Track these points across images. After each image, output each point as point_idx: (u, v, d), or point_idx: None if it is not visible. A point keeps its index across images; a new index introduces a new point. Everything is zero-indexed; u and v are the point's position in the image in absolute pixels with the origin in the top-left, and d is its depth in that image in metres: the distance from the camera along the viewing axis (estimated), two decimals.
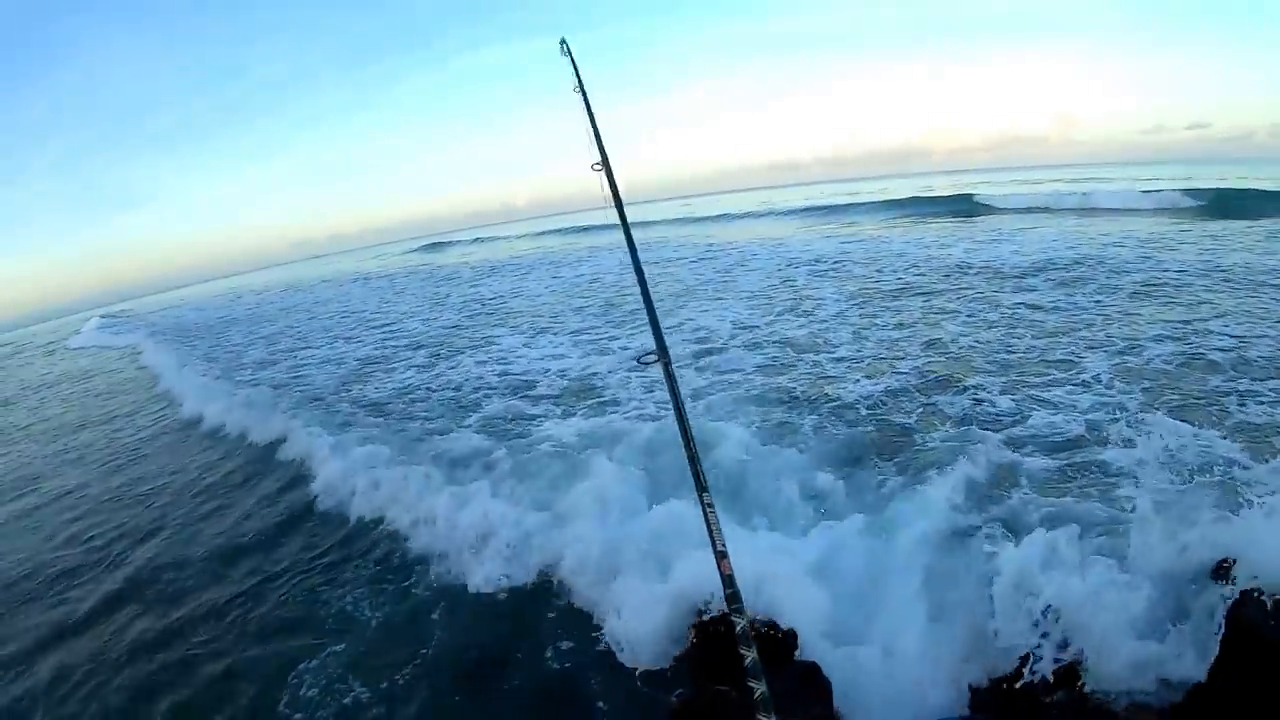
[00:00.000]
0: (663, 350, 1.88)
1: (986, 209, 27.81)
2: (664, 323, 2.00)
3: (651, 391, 8.13)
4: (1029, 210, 25.89)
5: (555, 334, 12.96)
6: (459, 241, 61.86)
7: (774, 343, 9.86)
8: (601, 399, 8.48)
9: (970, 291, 11.54)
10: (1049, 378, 6.97)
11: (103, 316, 50.67)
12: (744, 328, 11.07)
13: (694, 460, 1.81)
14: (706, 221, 40.19)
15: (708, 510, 1.80)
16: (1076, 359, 7.37)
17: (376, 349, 14.53)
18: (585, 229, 40.40)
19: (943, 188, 39.92)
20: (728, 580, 1.81)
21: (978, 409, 6.48)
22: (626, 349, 10.62)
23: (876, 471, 5.54)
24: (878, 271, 14.87)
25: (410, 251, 61.96)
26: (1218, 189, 22.74)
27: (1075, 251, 14.00)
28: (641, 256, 2.03)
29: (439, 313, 18.81)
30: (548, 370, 10.31)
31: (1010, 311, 9.87)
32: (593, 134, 2.06)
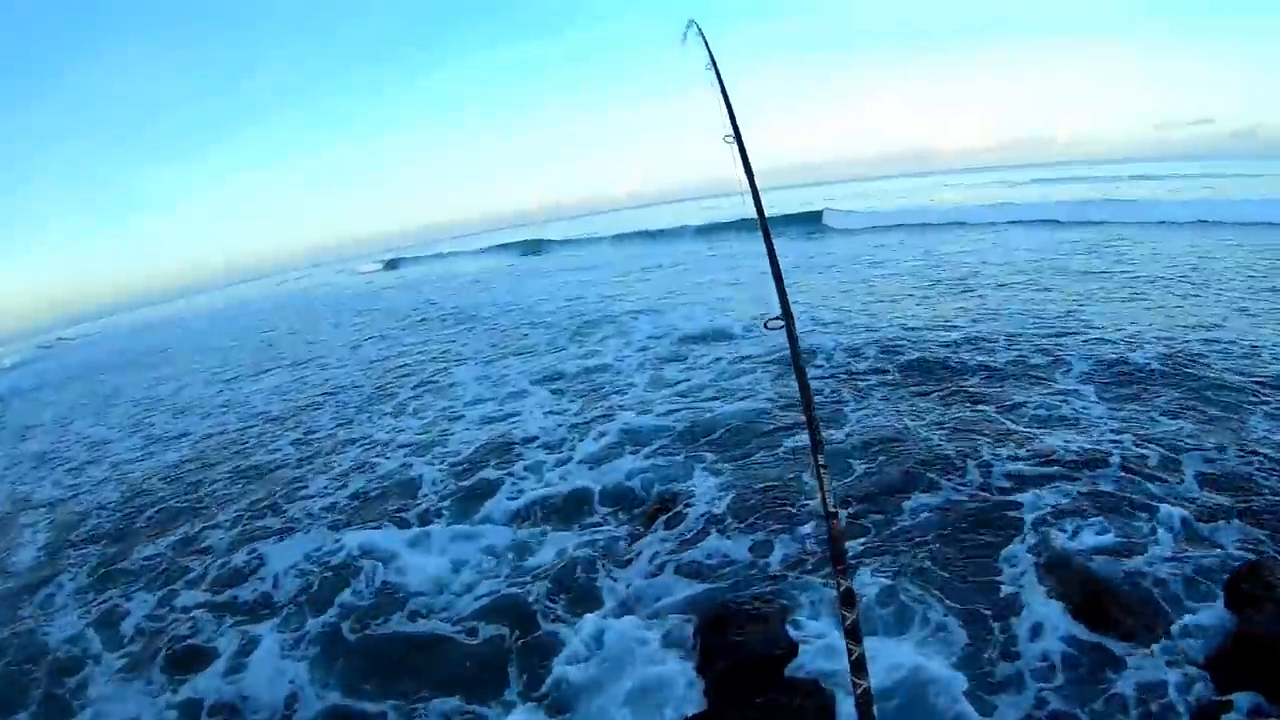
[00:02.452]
0: (788, 315, 1.96)
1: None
2: None
3: None
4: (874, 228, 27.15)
5: None
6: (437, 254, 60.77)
7: None
8: None
9: None
10: None
11: None
12: None
13: (812, 422, 1.87)
14: None
15: (821, 470, 1.87)
16: None
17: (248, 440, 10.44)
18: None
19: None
20: (836, 540, 1.86)
21: None
22: None
23: None
24: None
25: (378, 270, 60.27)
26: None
27: None
28: None
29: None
30: None
31: None
32: (726, 110, 2.20)
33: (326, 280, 59.47)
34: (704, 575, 4.84)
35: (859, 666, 1.81)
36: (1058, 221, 22.19)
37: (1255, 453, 5.24)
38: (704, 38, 2.31)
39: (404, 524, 6.30)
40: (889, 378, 8.15)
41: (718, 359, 10.02)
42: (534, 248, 45.38)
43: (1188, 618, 3.56)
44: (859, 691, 1.81)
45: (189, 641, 5.10)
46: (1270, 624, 3.05)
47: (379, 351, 16.04)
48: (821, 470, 1.86)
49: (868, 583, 4.35)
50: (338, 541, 6.06)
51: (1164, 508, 4.64)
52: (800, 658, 3.72)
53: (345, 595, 5.27)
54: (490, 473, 7.09)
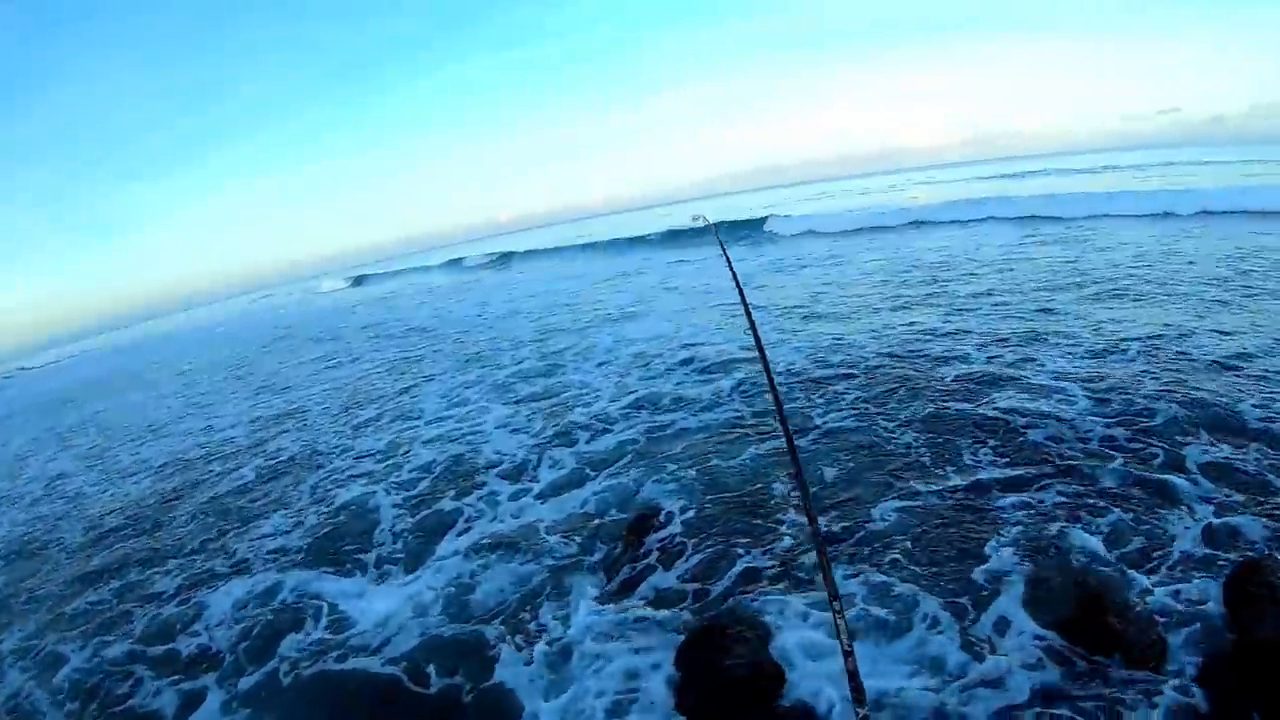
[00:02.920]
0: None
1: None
2: None
3: None
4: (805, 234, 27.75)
5: None
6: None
7: None
8: None
9: None
10: None
11: None
12: None
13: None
14: None
15: (837, 617, 1.80)
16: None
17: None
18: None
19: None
20: (852, 675, 1.80)
21: None
22: None
23: None
24: None
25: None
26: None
27: None
28: None
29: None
30: None
31: None
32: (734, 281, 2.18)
33: (295, 299, 59.11)
34: (681, 594, 4.75)
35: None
36: (995, 218, 22.72)
37: (1244, 445, 5.29)
38: (714, 230, 2.33)
39: (357, 562, 6.07)
40: (853, 383, 8.10)
41: (684, 370, 9.96)
42: (503, 260, 45.60)
43: (1184, 625, 3.57)
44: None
45: (130, 703, 4.83)
46: (1271, 628, 3.06)
47: (343, 370, 15.79)
48: (838, 616, 1.80)
49: (852, 589, 4.36)
50: (284, 585, 5.85)
51: (1154, 503, 4.72)
52: (787, 679, 3.70)
53: (289, 643, 5.03)
54: (448, 503, 6.86)
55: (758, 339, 1.89)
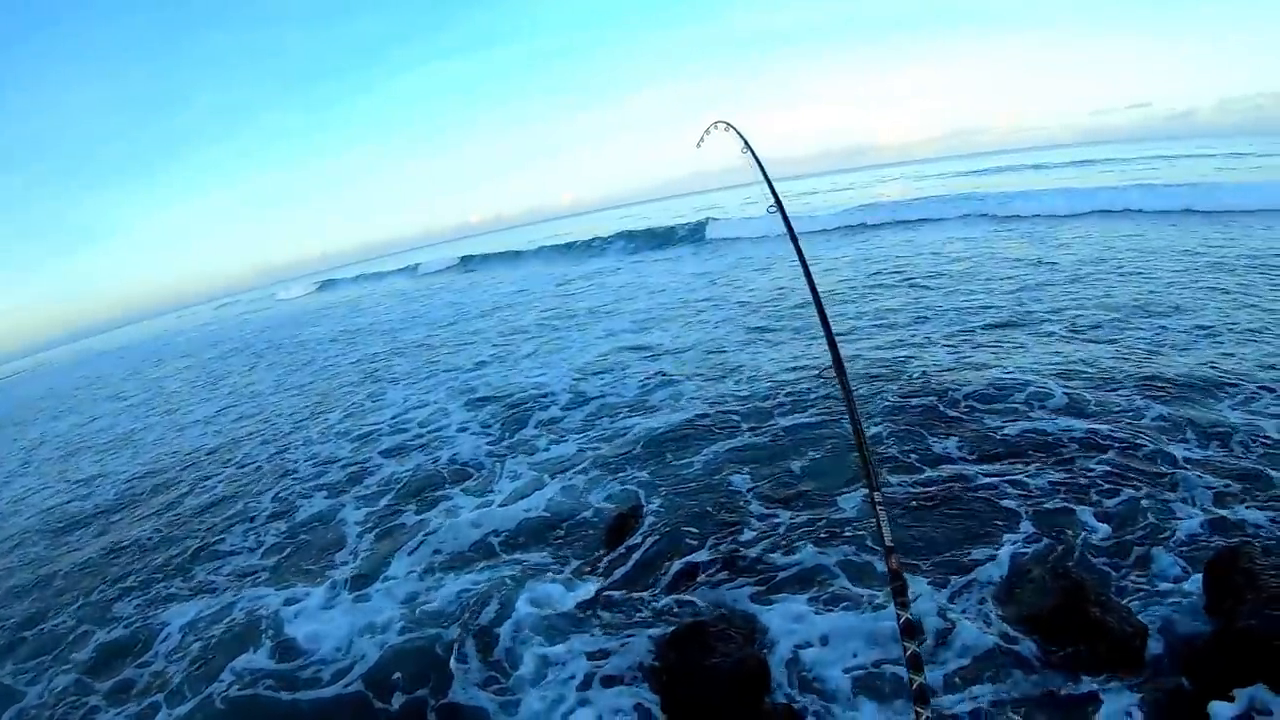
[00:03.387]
0: (839, 366, 2.07)
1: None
2: None
3: None
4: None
5: None
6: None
7: None
8: None
9: None
10: None
11: None
12: None
13: (866, 461, 1.98)
14: None
15: (878, 509, 1.96)
16: None
17: None
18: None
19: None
20: (895, 574, 1.96)
21: None
22: None
23: None
24: None
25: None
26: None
27: None
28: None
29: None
30: None
31: None
32: (768, 187, 2.34)
33: (262, 305, 58.00)
34: (662, 598, 4.73)
35: (920, 698, 1.89)
36: (935, 219, 23.14)
37: (1222, 436, 5.48)
38: (738, 132, 2.49)
39: (316, 578, 5.84)
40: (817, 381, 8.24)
41: (647, 371, 10.04)
42: (469, 263, 44.97)
43: (1164, 614, 3.70)
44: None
45: None
46: (1253, 616, 3.13)
47: (309, 376, 15.61)
48: (878, 507, 1.97)
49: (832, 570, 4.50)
50: (240, 604, 5.65)
51: (1139, 495, 4.86)
52: (772, 677, 3.73)
53: (242, 663, 4.82)
54: (409, 516, 6.74)
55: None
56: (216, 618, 5.58)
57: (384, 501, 7.26)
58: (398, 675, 4.41)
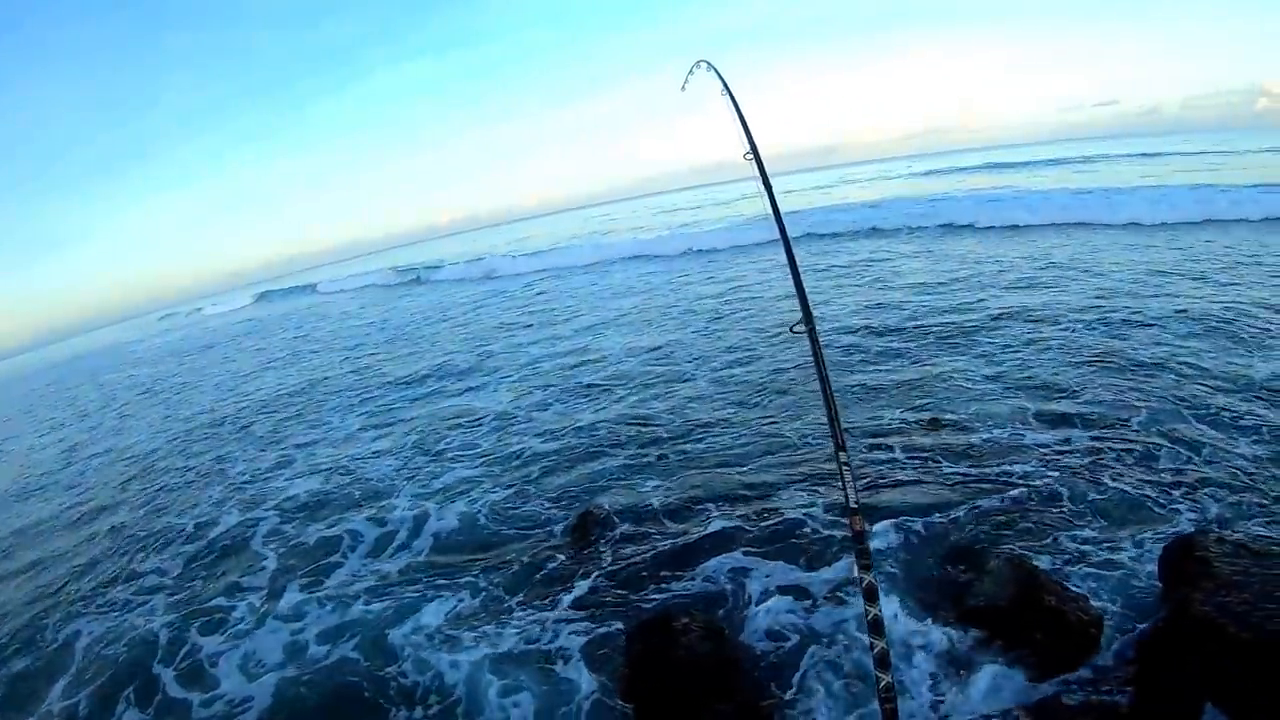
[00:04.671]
0: (808, 317, 2.02)
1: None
2: None
3: None
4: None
5: None
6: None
7: None
8: None
9: None
10: None
11: None
12: None
13: (833, 420, 1.93)
14: None
15: (843, 469, 1.92)
16: None
17: None
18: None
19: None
20: (858, 536, 1.92)
21: None
22: None
23: None
24: None
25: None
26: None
27: None
28: None
29: None
30: None
31: None
32: (742, 131, 2.29)
33: (203, 316, 56.10)
34: (629, 589, 4.73)
35: (882, 663, 1.86)
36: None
37: (1177, 427, 5.61)
38: (717, 72, 2.46)
39: (233, 603, 5.55)
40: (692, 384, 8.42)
41: (575, 381, 10.00)
42: (415, 274, 43.67)
43: (1121, 602, 3.75)
44: (882, 686, 1.86)
45: None
46: (1205, 602, 3.16)
47: (240, 391, 15.04)
48: (845, 468, 1.92)
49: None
50: (152, 632, 5.33)
51: (1090, 490, 4.92)
52: (740, 666, 3.73)
53: (150, 698, 4.58)
54: (327, 530, 6.52)
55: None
56: (124, 643, 5.32)
57: (306, 519, 7.03)
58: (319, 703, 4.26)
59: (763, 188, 2.22)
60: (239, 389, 15.32)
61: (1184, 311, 8.46)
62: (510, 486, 6.72)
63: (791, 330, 2.04)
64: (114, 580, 6.55)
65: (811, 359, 2.00)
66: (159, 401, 16.50)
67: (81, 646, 5.41)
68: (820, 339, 2.07)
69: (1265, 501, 4.52)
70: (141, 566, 6.73)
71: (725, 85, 2.48)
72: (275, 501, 7.53)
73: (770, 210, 2.21)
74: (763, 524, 5.16)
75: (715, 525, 5.28)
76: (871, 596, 1.84)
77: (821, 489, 5.45)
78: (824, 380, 1.99)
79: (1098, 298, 9.81)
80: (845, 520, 1.94)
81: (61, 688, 4.93)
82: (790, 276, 2.07)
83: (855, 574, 1.86)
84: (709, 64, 2.67)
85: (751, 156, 2.32)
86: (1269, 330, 7.57)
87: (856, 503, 1.89)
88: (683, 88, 2.75)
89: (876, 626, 1.80)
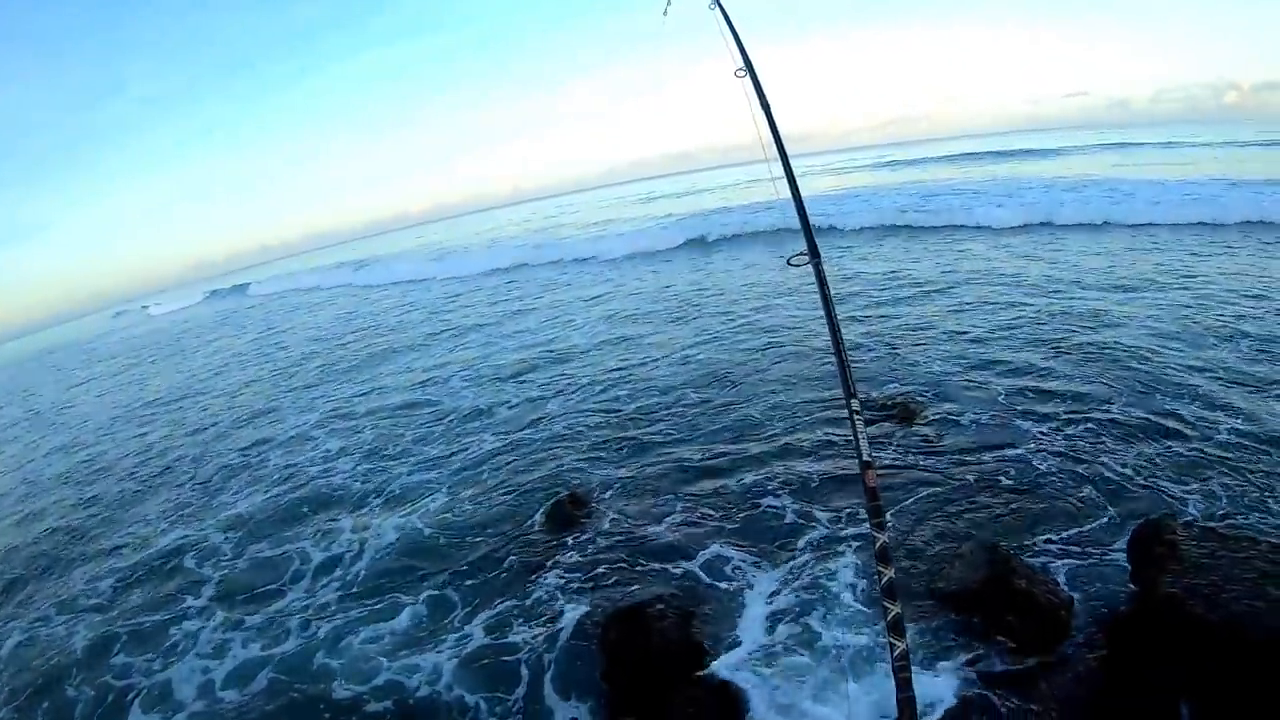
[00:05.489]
0: (814, 250, 1.82)
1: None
2: None
3: None
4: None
5: None
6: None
7: None
8: None
9: None
10: None
11: None
12: None
13: (843, 365, 1.73)
14: None
15: (855, 418, 1.72)
16: None
17: None
18: None
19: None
20: (871, 493, 1.72)
21: None
22: None
23: None
24: None
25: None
26: None
27: None
28: None
29: None
30: None
31: None
32: (735, 43, 2.09)
33: (151, 314, 52.33)
34: (601, 581, 4.62)
35: (896, 628, 1.67)
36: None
37: (1150, 416, 5.67)
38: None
39: (183, 595, 5.32)
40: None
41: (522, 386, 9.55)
42: (362, 265, 42.36)
43: (1090, 585, 3.77)
44: (896, 653, 1.67)
45: None
46: (1176, 584, 3.18)
47: (180, 397, 14.19)
48: (856, 416, 1.73)
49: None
50: (106, 656, 4.95)
51: (1067, 470, 4.99)
52: (707, 651, 3.67)
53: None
54: (270, 548, 6.09)
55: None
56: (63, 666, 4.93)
57: (248, 536, 6.54)
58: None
59: (764, 113, 2.04)
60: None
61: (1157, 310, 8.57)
62: None
63: (790, 263, 1.84)
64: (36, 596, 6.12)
65: (817, 291, 1.80)
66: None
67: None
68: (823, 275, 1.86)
69: (1237, 487, 4.60)
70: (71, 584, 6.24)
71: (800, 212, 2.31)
72: (216, 517, 7.08)
73: (771, 135, 2.02)
74: (738, 511, 5.13)
75: (687, 515, 5.23)
76: (884, 558, 1.64)
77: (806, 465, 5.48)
78: (832, 321, 1.80)
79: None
80: (858, 474, 1.72)
81: None
82: (793, 205, 1.88)
83: (869, 531, 1.65)
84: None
85: (745, 73, 2.12)
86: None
87: (870, 456, 1.69)
88: (664, 12, 2.58)
89: (890, 591, 1.60)
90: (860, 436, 1.71)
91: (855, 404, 1.73)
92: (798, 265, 1.83)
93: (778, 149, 2.03)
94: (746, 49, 2.13)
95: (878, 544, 1.68)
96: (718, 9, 2.31)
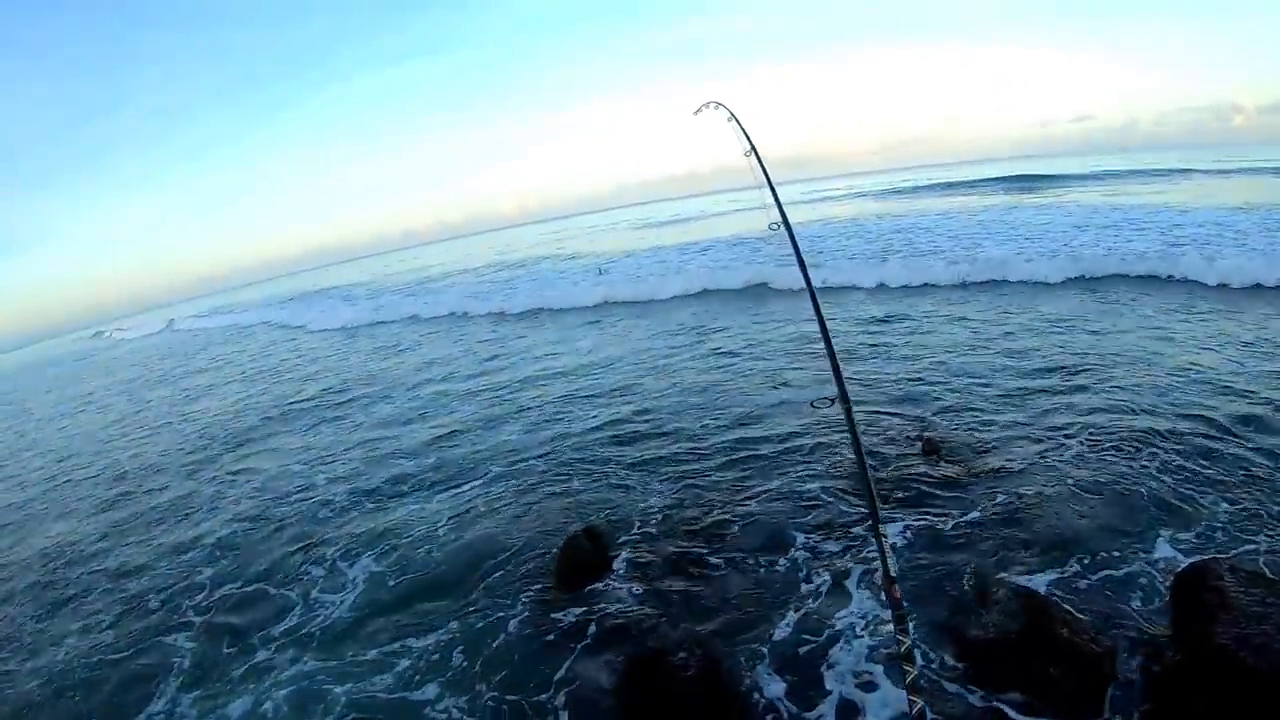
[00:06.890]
0: (843, 395, 2.09)
1: None
2: None
3: None
4: None
5: None
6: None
7: None
8: None
9: None
10: None
11: None
12: None
13: (872, 497, 2.02)
14: None
15: (881, 539, 2.01)
16: None
17: None
18: None
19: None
20: (897, 603, 2.00)
21: None
22: None
23: None
24: None
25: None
26: None
27: None
28: None
29: None
30: None
31: None
32: (772, 197, 2.44)
33: (118, 339, 53.39)
34: (622, 634, 4.57)
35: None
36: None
37: (1185, 455, 5.58)
38: (739, 123, 2.71)
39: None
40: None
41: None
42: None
43: (1132, 633, 3.73)
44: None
45: None
46: (1219, 633, 3.14)
47: (139, 427, 14.51)
48: (882, 538, 2.01)
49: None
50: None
51: (1101, 513, 4.93)
52: (737, 703, 3.72)
53: None
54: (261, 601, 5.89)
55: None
56: None
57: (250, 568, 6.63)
58: None
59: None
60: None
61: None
62: None
63: (812, 405, 2.11)
64: None
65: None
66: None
67: None
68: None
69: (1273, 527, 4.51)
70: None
71: (748, 139, 2.74)
72: (206, 540, 7.28)
73: (806, 286, 2.30)
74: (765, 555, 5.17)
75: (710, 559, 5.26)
76: (909, 659, 1.93)
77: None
78: (860, 458, 2.08)
79: None
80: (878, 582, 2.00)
81: None
82: (782, 224, 2.18)
83: (896, 637, 1.94)
84: (719, 103, 3.10)
85: (780, 227, 2.45)
86: None
87: (895, 572, 1.98)
88: (695, 112, 3.16)
89: (915, 689, 1.89)
90: (886, 555, 1.99)
91: (882, 528, 2.01)
92: (822, 408, 2.08)
93: (812, 302, 2.30)
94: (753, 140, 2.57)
95: (904, 647, 1.96)
96: (735, 121, 2.80)
